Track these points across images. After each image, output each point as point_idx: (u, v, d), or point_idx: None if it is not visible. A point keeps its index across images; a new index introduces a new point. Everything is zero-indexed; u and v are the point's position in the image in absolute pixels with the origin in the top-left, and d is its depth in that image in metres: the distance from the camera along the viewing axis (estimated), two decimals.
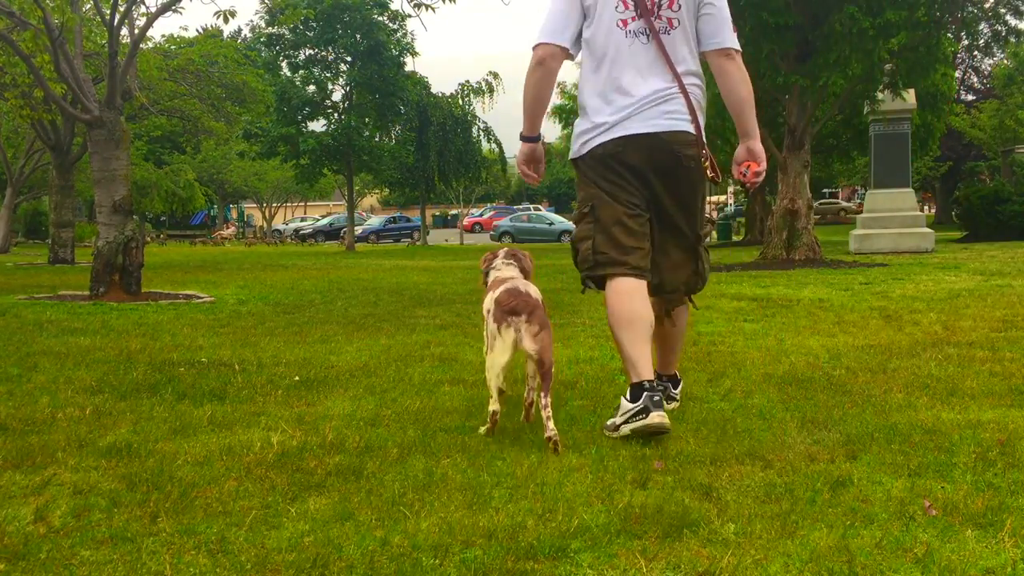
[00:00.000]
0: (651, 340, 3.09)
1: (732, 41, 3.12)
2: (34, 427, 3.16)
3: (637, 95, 3.07)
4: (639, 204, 3.14)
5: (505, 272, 3.26)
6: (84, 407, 3.47)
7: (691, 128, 3.09)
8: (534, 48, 3.14)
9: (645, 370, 2.98)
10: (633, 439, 2.90)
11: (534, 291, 3.00)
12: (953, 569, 1.87)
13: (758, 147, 3.20)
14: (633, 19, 3.08)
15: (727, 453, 2.76)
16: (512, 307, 2.89)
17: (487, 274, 3.33)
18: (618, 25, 3.08)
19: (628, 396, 2.97)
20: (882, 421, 3.13)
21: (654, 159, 3.08)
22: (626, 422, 2.92)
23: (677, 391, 3.49)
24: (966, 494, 2.33)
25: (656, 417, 2.84)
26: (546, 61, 3.11)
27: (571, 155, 3.30)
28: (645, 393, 2.90)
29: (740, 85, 3.12)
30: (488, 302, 3.07)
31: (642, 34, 3.08)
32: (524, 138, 3.30)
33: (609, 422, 3.07)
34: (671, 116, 3.07)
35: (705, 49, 3.14)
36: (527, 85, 3.17)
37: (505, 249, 3.46)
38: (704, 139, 3.15)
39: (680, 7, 3.08)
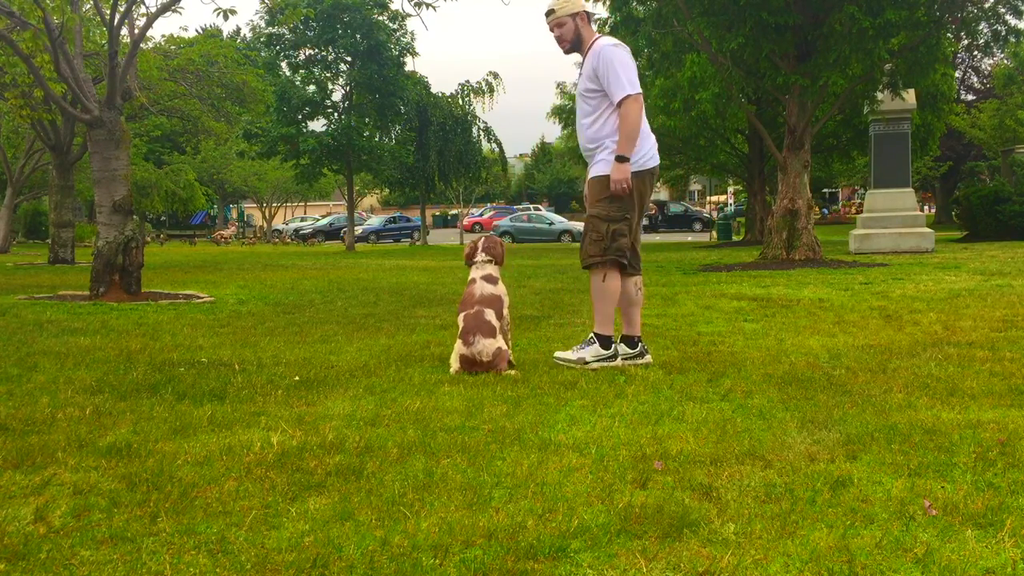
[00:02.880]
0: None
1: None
2: (34, 427, 3.16)
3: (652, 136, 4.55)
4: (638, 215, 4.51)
5: (482, 270, 4.47)
6: (84, 407, 3.47)
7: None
8: (636, 96, 4.35)
9: (636, 328, 4.57)
10: (633, 444, 2.91)
11: (489, 314, 4.27)
12: (953, 569, 1.88)
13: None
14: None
15: (727, 453, 2.76)
16: (468, 329, 4.23)
17: (470, 264, 4.58)
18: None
19: (626, 344, 4.53)
20: (882, 421, 3.13)
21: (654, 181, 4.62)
22: (633, 362, 4.45)
23: (645, 353, 4.58)
24: (966, 494, 2.33)
25: (650, 357, 4.53)
26: (639, 106, 4.37)
27: (634, 168, 4.38)
28: (638, 341, 4.55)
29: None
30: (466, 292, 4.43)
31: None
32: (627, 159, 4.35)
33: (587, 359, 4.42)
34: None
35: None
36: (638, 120, 4.35)
37: (483, 240, 4.63)
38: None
39: None
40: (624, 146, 4.33)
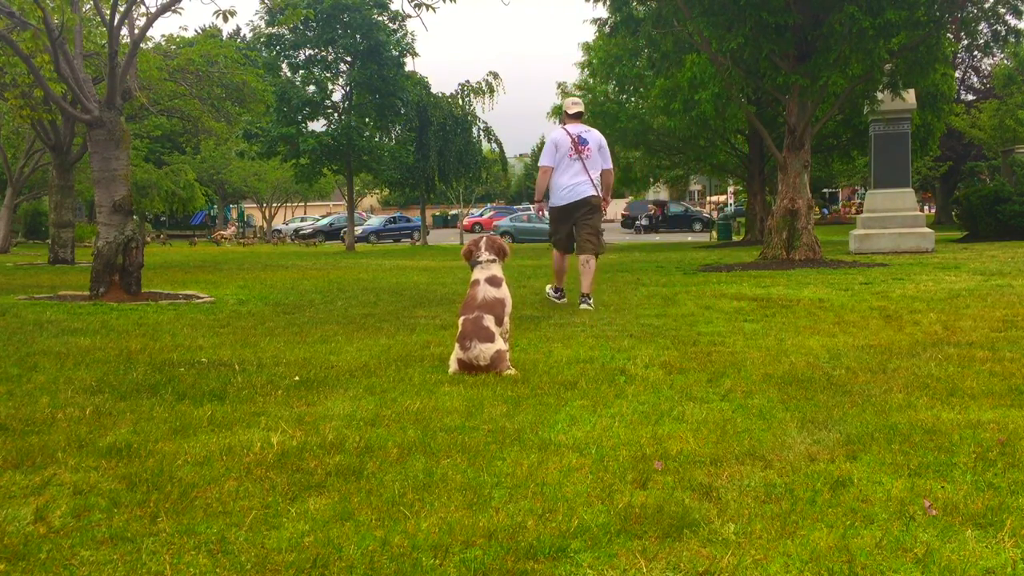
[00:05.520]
0: (566, 274, 7.84)
1: (611, 163, 7.70)
2: (34, 427, 3.17)
3: (574, 183, 7.45)
4: (568, 226, 7.56)
5: (486, 271, 4.51)
6: (84, 407, 3.47)
7: (595, 192, 7.46)
8: (542, 166, 7.62)
9: (561, 283, 7.82)
10: (633, 444, 2.91)
11: (488, 320, 4.30)
12: (953, 569, 1.88)
13: (608, 197, 7.71)
14: (573, 153, 7.44)
15: (727, 453, 2.76)
16: (466, 334, 4.24)
17: (473, 265, 4.58)
18: (569, 156, 7.45)
19: (553, 291, 7.85)
20: (882, 421, 3.13)
21: (580, 207, 7.45)
22: (554, 299, 7.74)
23: (591, 301, 7.28)
24: (966, 494, 2.33)
25: (558, 301, 7.72)
26: (548, 173, 7.56)
27: (549, 205, 7.64)
28: (560, 291, 7.79)
29: (611, 179, 7.77)
30: (468, 295, 4.46)
31: (576, 159, 7.45)
32: (536, 201, 7.86)
33: (548, 292, 7.97)
34: (585, 190, 7.43)
35: (603, 168, 7.57)
36: (539, 183, 7.66)
37: (485, 239, 4.63)
38: (600, 194, 7.51)
39: (592, 150, 7.46)
40: (537, 196, 7.81)
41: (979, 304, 6.85)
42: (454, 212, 53.35)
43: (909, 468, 2.58)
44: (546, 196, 7.65)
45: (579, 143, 7.42)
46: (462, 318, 4.32)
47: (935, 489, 2.39)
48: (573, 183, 7.39)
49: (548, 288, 7.99)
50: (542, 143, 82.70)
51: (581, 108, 7.82)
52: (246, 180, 44.66)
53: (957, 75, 33.69)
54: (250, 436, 3.01)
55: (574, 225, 7.47)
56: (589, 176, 7.40)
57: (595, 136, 7.54)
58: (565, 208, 7.44)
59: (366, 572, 1.91)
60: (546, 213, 7.75)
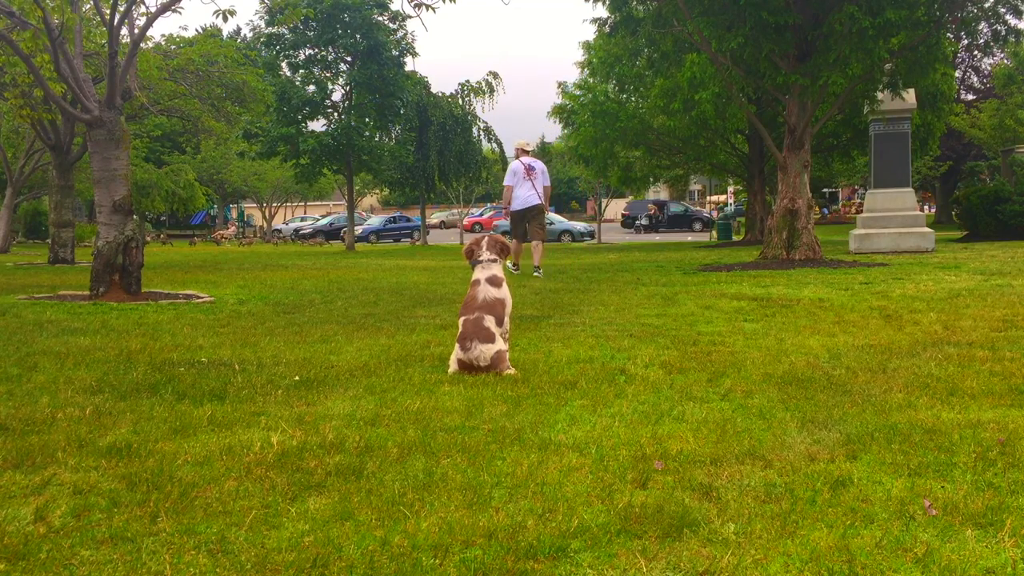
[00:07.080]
0: (520, 255, 12.26)
1: (549, 182, 12.06)
2: (34, 427, 3.17)
3: (526, 196, 11.71)
4: (524, 224, 11.87)
5: (487, 270, 4.50)
6: (84, 407, 3.47)
7: (540, 201, 11.75)
8: (506, 186, 11.96)
9: (517, 260, 12.02)
10: (633, 444, 2.91)
11: (489, 320, 4.30)
12: (953, 569, 1.88)
13: (547, 204, 12.28)
14: (525, 177, 11.70)
15: (727, 453, 2.76)
16: (467, 334, 4.25)
17: (474, 264, 4.59)
18: (524, 178, 11.70)
19: (513, 265, 11.78)
20: (882, 421, 3.13)
21: (530, 211, 11.76)
22: (511, 272, 11.53)
23: (541, 272, 11.42)
24: (966, 494, 2.33)
25: (514, 271, 11.85)
26: (510, 190, 11.80)
27: (511, 209, 11.89)
28: (516, 266, 11.89)
29: (549, 192, 12.03)
30: (469, 295, 4.46)
31: (526, 179, 11.71)
32: (504, 208, 12.32)
33: (507, 266, 10.11)
34: (534, 200, 11.69)
35: (544, 185, 11.80)
36: (504, 197, 12.05)
37: (487, 239, 4.64)
38: (544, 202, 11.88)
39: (538, 174, 11.75)
40: (504, 204, 12.01)
41: (979, 304, 6.85)
42: (452, 214, 53.06)
43: (909, 468, 2.58)
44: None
45: (529, 170, 11.62)
46: (462, 318, 4.32)
47: (935, 489, 2.39)
48: (526, 196, 11.58)
49: (507, 263, 10.94)
50: (542, 143, 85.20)
51: (532, 147, 12.43)
52: (246, 180, 44.64)
53: (957, 75, 33.66)
54: (250, 436, 3.01)
55: (527, 223, 11.70)
56: (536, 191, 11.59)
57: (539, 164, 11.82)
58: (521, 212, 11.66)
59: (366, 572, 1.91)
60: (508, 217, 12.03)
